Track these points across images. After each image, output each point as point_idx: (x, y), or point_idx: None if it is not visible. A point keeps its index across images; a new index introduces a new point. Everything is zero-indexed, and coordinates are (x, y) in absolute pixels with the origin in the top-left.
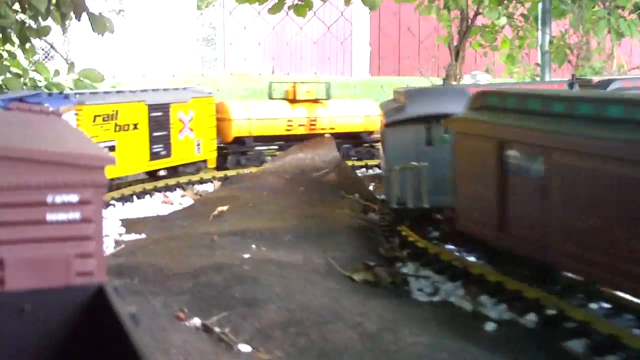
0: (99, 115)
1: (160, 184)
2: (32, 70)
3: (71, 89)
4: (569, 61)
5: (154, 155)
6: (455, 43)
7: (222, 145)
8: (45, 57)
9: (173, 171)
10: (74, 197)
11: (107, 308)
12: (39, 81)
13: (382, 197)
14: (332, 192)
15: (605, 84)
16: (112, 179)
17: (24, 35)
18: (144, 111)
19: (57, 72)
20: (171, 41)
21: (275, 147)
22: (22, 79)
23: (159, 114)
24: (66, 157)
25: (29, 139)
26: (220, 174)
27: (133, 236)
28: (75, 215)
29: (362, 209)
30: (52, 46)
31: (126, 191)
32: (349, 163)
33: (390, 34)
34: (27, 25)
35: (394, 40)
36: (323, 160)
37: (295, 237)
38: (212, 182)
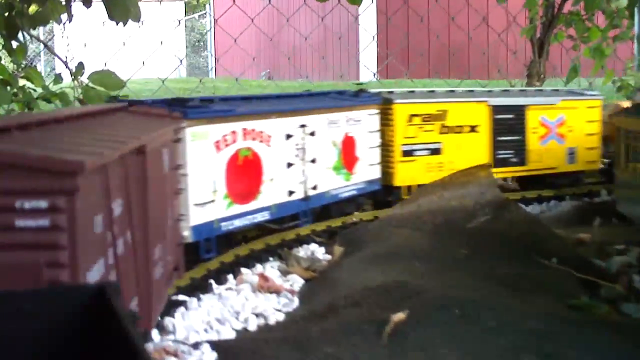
0: (417, 115)
1: (243, 251)
2: (22, 77)
3: (78, 99)
4: None
5: (500, 162)
6: (537, 35)
7: None
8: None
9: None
10: (42, 204)
11: (107, 308)
12: (33, 90)
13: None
14: (515, 258)
15: None
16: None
17: (13, 25)
18: (485, 113)
19: (57, 79)
20: (158, 47)
21: None
22: (9, 89)
23: (508, 116)
24: (33, 161)
25: (60, 142)
26: (321, 226)
27: None
28: (44, 222)
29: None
30: (45, 45)
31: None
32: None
33: (399, 27)
34: (16, 10)
35: (401, 35)
36: (477, 201)
37: None
38: (315, 242)
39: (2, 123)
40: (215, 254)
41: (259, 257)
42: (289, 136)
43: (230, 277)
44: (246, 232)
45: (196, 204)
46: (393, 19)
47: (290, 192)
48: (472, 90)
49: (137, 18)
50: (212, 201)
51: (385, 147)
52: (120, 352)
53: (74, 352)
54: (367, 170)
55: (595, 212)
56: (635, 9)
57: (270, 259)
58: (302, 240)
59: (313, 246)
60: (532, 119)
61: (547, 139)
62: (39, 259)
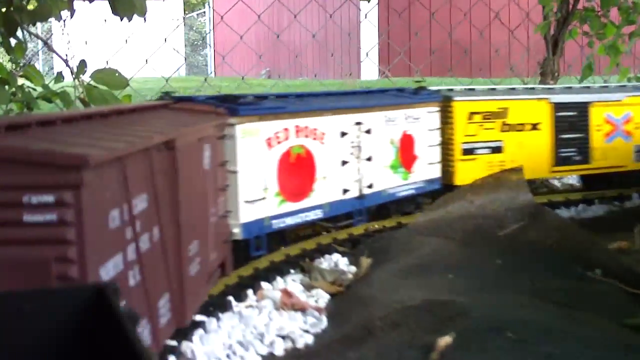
0: (478, 113)
1: (263, 263)
2: (20, 76)
3: (81, 99)
4: None
5: (562, 161)
6: (552, 32)
7: None
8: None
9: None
10: (49, 198)
11: (107, 308)
12: (32, 89)
13: None
14: (555, 269)
15: None
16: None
17: (11, 20)
18: (546, 110)
19: (59, 78)
20: (161, 45)
21: None
22: (7, 88)
23: (571, 113)
24: (38, 156)
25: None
26: (342, 234)
27: None
28: (51, 217)
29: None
30: (45, 43)
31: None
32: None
33: (404, 25)
34: (14, 5)
35: (405, 33)
36: (508, 206)
37: None
38: (338, 252)
39: (23, 119)
40: (266, 252)
41: (280, 270)
42: (343, 134)
43: (249, 292)
44: (299, 230)
45: (246, 201)
46: (398, 17)
47: (345, 191)
48: (533, 88)
49: (143, 13)
50: (263, 199)
51: (445, 146)
52: (120, 352)
53: (74, 352)
54: (427, 169)
55: (629, 216)
56: None
57: (292, 271)
58: (323, 250)
59: (335, 256)
60: (596, 116)
61: (612, 137)
62: (48, 255)
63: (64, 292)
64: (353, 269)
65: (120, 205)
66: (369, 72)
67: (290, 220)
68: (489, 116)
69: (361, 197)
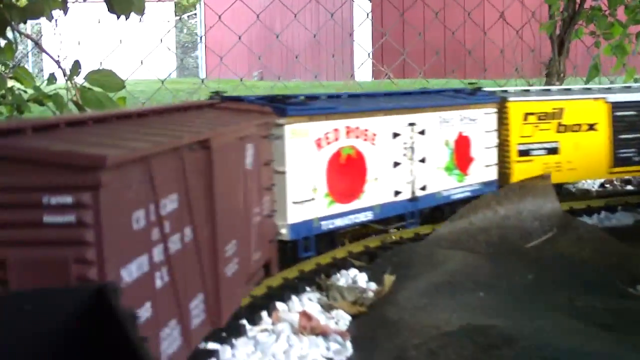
0: (533, 114)
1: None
2: (10, 78)
3: (74, 101)
4: None
5: (621, 161)
6: (558, 32)
7: None
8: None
9: None
10: (68, 199)
11: (107, 308)
12: (23, 91)
13: None
14: (593, 285)
15: None
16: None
17: (1, 18)
18: (604, 110)
19: (51, 79)
20: (156, 46)
21: None
22: None
23: (630, 113)
24: (56, 157)
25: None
26: (358, 246)
27: None
28: (70, 218)
29: None
30: (36, 43)
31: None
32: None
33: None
34: (4, 2)
35: (397, 33)
36: (535, 216)
37: None
38: (354, 267)
39: (53, 120)
40: (314, 254)
41: (294, 288)
42: (396, 135)
43: (264, 314)
44: (348, 232)
45: (294, 202)
46: (395, 17)
47: (397, 192)
48: (589, 88)
49: (141, 11)
50: (312, 199)
51: (501, 147)
52: (119, 352)
53: (74, 351)
54: (483, 171)
55: None
56: None
57: (307, 289)
58: (339, 265)
59: (353, 271)
60: None
61: None
62: (67, 256)
63: (64, 292)
64: (373, 285)
65: (145, 205)
66: (363, 73)
67: (339, 222)
68: (544, 117)
69: (414, 199)
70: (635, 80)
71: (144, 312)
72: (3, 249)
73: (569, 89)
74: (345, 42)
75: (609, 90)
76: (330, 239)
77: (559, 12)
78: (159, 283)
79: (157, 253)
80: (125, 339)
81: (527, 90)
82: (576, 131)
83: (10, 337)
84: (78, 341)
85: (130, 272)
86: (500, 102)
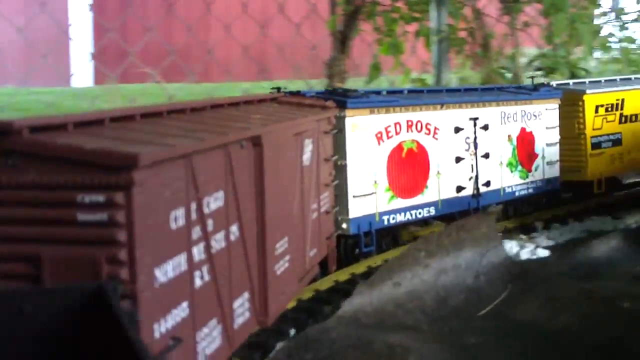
0: (602, 105)
1: None
2: None
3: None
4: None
5: None
6: (340, 28)
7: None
8: None
9: None
10: (100, 198)
11: (106, 308)
12: None
13: None
14: None
15: None
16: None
17: None
18: None
19: None
20: None
21: None
22: None
23: None
24: (89, 155)
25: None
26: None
27: None
28: (102, 217)
29: None
30: None
31: None
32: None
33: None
34: None
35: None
36: (478, 269)
37: None
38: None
39: (94, 116)
40: (374, 250)
41: None
42: (458, 129)
43: None
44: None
45: (355, 196)
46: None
47: (460, 188)
48: None
49: None
50: (373, 193)
51: (575, 140)
52: (119, 351)
53: (74, 351)
54: (546, 168)
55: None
56: (434, 2)
57: None
58: None
59: None
60: None
61: None
62: (99, 255)
63: (64, 292)
64: None
65: (186, 203)
66: (84, 77)
67: (401, 217)
68: (610, 108)
69: (477, 195)
70: (413, 81)
71: (180, 312)
72: (37, 246)
73: (629, 79)
74: (61, 39)
75: None
76: (392, 235)
77: (345, 6)
78: (198, 282)
79: (198, 252)
80: (124, 339)
81: (596, 82)
82: (635, 121)
83: (10, 337)
84: (78, 340)
85: (166, 272)
86: (573, 94)
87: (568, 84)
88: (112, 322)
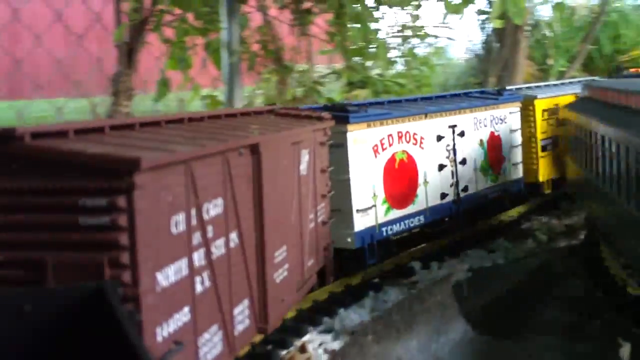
0: (547, 110)
1: None
2: None
3: None
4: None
5: None
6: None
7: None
8: None
9: None
10: (102, 202)
11: (106, 308)
12: None
13: None
14: None
15: None
16: None
17: None
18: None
19: None
20: None
21: None
22: None
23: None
24: (90, 160)
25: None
26: None
27: None
28: (105, 220)
29: None
30: None
31: None
32: None
33: None
34: None
35: None
36: (434, 355)
37: None
38: None
39: (94, 124)
40: (376, 261)
41: None
42: (440, 137)
43: None
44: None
45: (358, 210)
46: None
47: (443, 195)
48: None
49: None
50: (373, 206)
51: (527, 144)
52: (119, 351)
53: (74, 351)
54: (512, 169)
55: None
56: (224, 12)
57: None
58: None
59: None
60: None
61: None
62: (101, 258)
63: (64, 292)
64: None
65: (186, 209)
66: None
67: (397, 227)
68: (551, 113)
69: (457, 200)
70: (203, 98)
71: (182, 316)
72: (42, 251)
73: (564, 84)
74: None
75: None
76: (386, 245)
77: (132, 14)
78: (199, 288)
79: (198, 258)
80: (124, 339)
81: (539, 87)
82: (564, 125)
83: (10, 336)
84: (78, 340)
85: (167, 276)
86: (526, 99)
87: (521, 88)
88: (112, 322)
